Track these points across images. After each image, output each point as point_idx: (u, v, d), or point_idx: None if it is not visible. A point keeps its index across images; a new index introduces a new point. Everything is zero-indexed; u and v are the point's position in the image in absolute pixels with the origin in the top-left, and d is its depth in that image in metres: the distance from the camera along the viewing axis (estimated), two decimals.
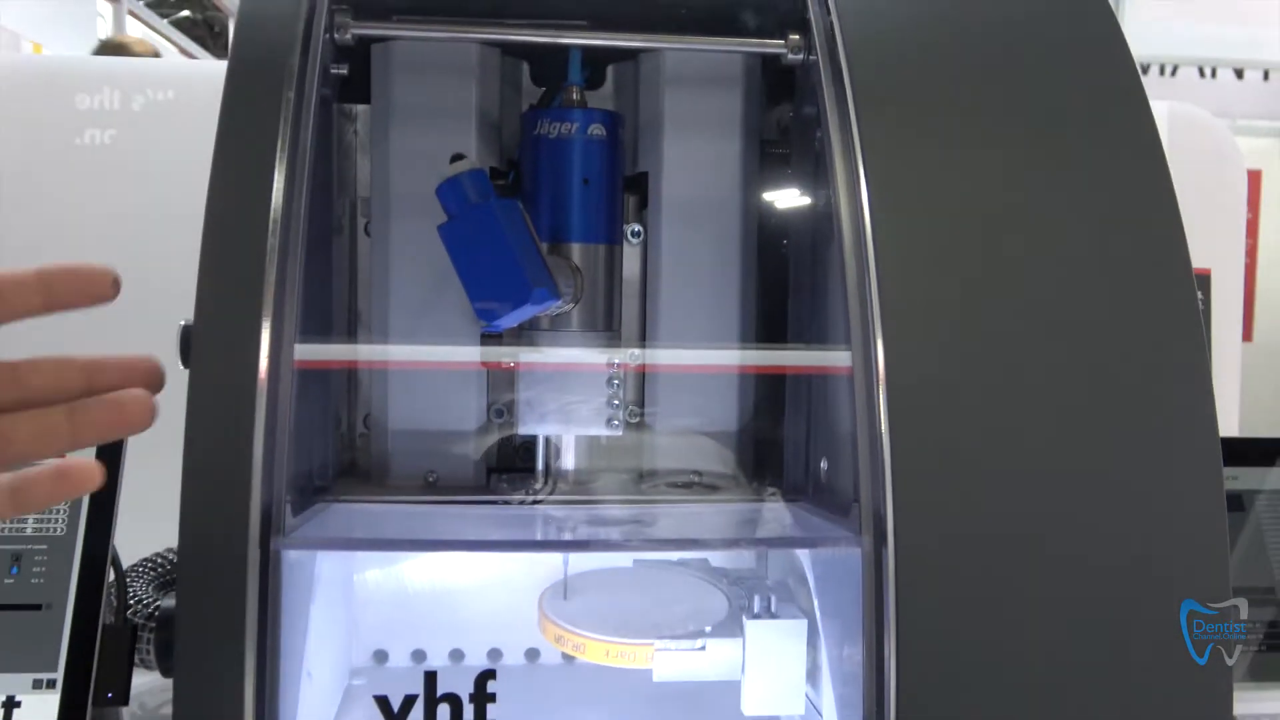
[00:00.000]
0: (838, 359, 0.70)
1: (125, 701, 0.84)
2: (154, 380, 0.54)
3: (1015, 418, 0.67)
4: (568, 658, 0.96)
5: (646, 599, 0.84)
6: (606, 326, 0.81)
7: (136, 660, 0.91)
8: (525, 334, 0.81)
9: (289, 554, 0.62)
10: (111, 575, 0.86)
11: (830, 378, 0.76)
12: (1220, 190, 1.23)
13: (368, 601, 0.93)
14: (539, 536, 0.78)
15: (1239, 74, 2.60)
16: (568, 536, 0.80)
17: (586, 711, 0.88)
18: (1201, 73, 2.47)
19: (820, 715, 0.76)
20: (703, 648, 0.76)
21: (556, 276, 0.73)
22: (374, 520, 0.77)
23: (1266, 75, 2.65)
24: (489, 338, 0.81)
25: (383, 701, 0.61)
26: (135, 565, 1.00)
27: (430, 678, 0.60)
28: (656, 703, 0.87)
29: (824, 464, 0.76)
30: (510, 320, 0.71)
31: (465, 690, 0.62)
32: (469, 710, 0.61)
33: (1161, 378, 0.69)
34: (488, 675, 0.61)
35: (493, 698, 0.62)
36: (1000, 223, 0.70)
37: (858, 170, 0.69)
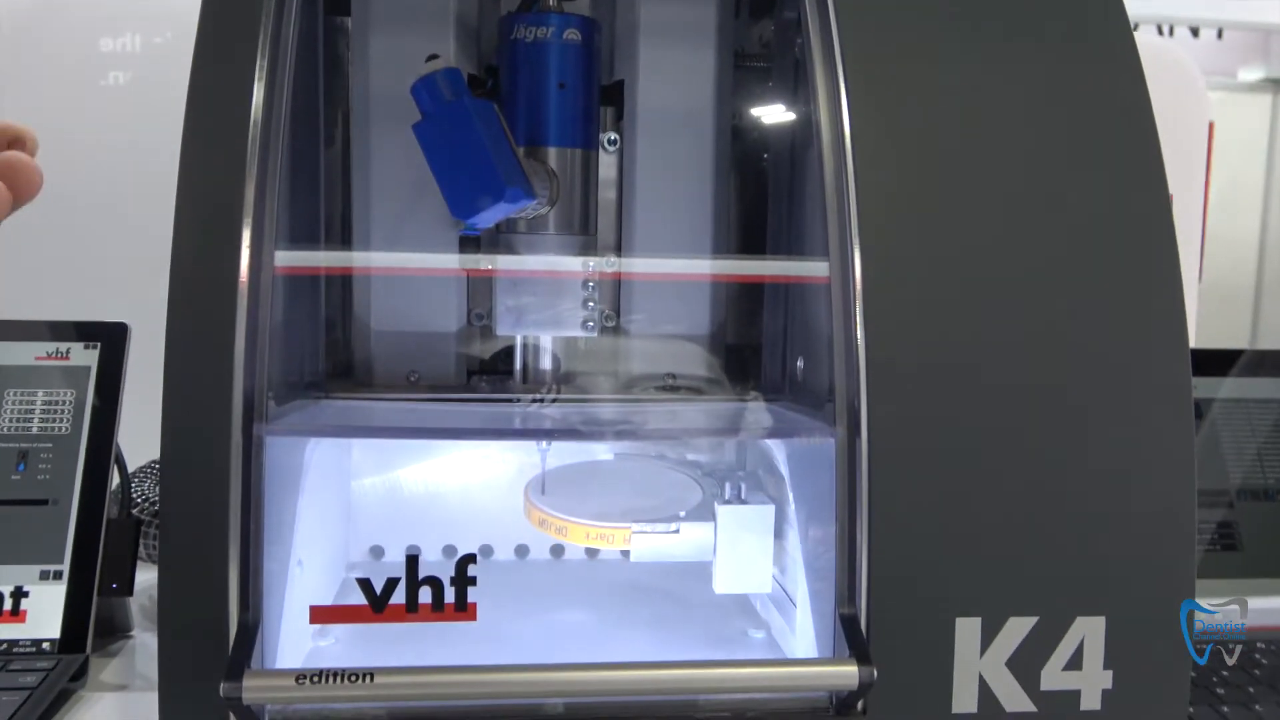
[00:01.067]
0: (815, 269, 0.64)
1: (129, 592, 0.80)
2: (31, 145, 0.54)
3: (988, 322, 0.62)
4: (555, 554, 0.92)
5: (625, 489, 0.80)
6: (583, 230, 0.75)
7: (144, 555, 0.87)
8: (502, 236, 0.75)
9: (272, 440, 0.57)
10: (115, 472, 0.81)
11: (808, 285, 0.71)
12: (1184, 122, 1.18)
13: (364, 500, 0.88)
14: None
15: (1194, 32, 2.54)
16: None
17: (570, 601, 0.84)
18: (1160, 30, 2.41)
19: (790, 599, 0.72)
20: (677, 530, 0.72)
21: (532, 178, 0.67)
22: (361, 414, 0.72)
23: (1220, 33, 2.59)
24: (468, 242, 0.75)
25: (365, 584, 0.56)
26: (143, 467, 0.95)
27: (412, 561, 0.55)
28: (634, 593, 0.84)
29: (800, 363, 0.71)
30: (486, 219, 0.65)
31: (448, 576, 0.57)
32: (450, 593, 0.56)
33: (1135, 286, 0.63)
34: (468, 559, 0.56)
35: (473, 581, 0.57)
36: (980, 133, 0.64)
37: (838, 78, 0.63)
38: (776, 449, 0.72)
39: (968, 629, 0.60)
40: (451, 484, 0.89)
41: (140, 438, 0.85)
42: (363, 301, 0.78)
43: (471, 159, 0.64)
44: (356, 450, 0.86)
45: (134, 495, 0.91)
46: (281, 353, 0.64)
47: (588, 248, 0.75)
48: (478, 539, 0.91)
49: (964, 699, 0.60)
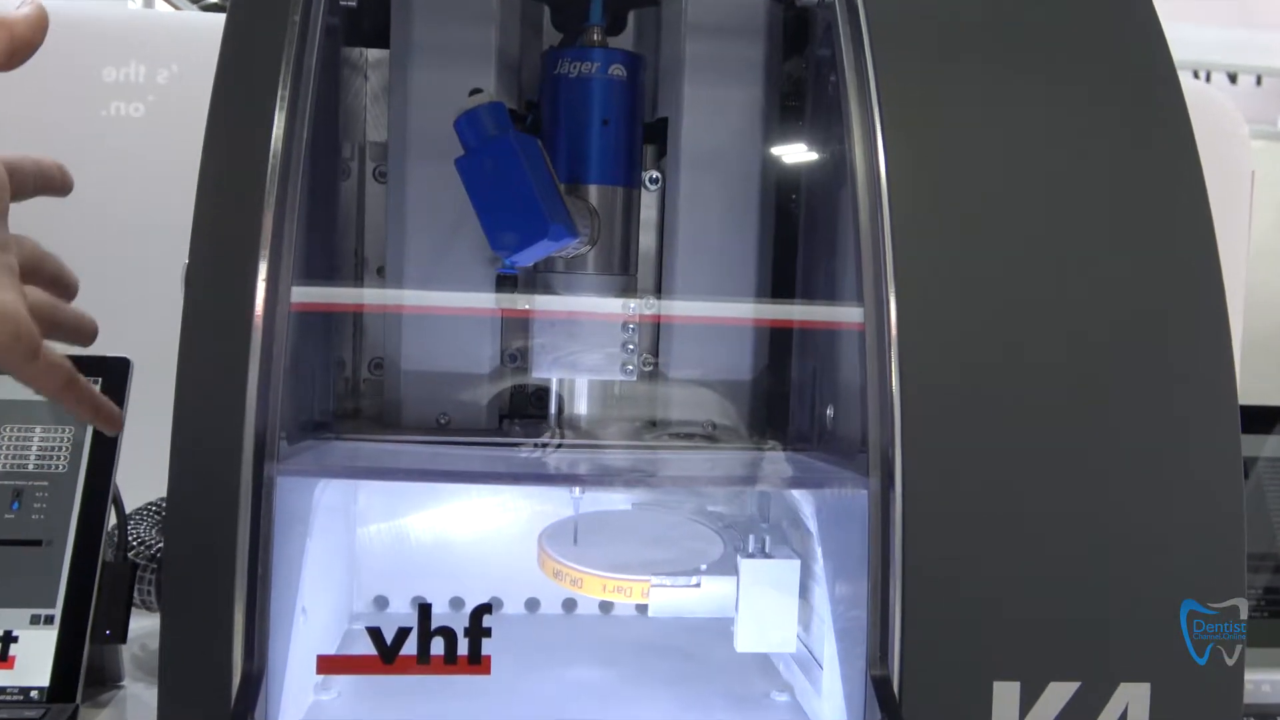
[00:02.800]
0: (849, 315, 0.65)
1: (123, 639, 0.79)
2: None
3: (1028, 373, 0.62)
4: (567, 608, 0.92)
5: (644, 540, 0.80)
6: (623, 270, 0.76)
7: (137, 600, 0.87)
8: (540, 275, 0.76)
9: (284, 480, 0.57)
10: (112, 514, 0.82)
11: (838, 329, 0.72)
12: (1226, 170, 1.18)
13: (370, 548, 0.88)
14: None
15: (1232, 78, 2.55)
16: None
17: (584, 657, 0.83)
18: (1196, 75, 2.42)
19: (817, 660, 0.71)
20: (697, 584, 0.72)
21: (574, 216, 0.68)
22: (374, 457, 0.72)
23: (1259, 80, 2.61)
24: (504, 281, 0.76)
25: (375, 634, 0.56)
26: (140, 509, 0.96)
27: (424, 611, 0.55)
28: (650, 651, 0.84)
29: (830, 411, 0.72)
30: (526, 257, 0.66)
31: (460, 627, 0.57)
32: (464, 644, 0.56)
33: (1182, 338, 0.64)
34: (483, 610, 0.56)
35: (488, 632, 0.57)
36: (1020, 175, 0.64)
37: (873, 117, 0.64)
38: (804, 500, 0.72)
39: (1006, 694, 0.59)
40: (460, 532, 0.89)
41: (138, 478, 0.85)
42: (392, 339, 0.78)
43: (515, 195, 0.65)
44: (363, 494, 0.86)
45: (131, 538, 0.91)
46: (293, 393, 0.64)
47: (627, 288, 0.76)
48: (487, 590, 0.90)
49: None
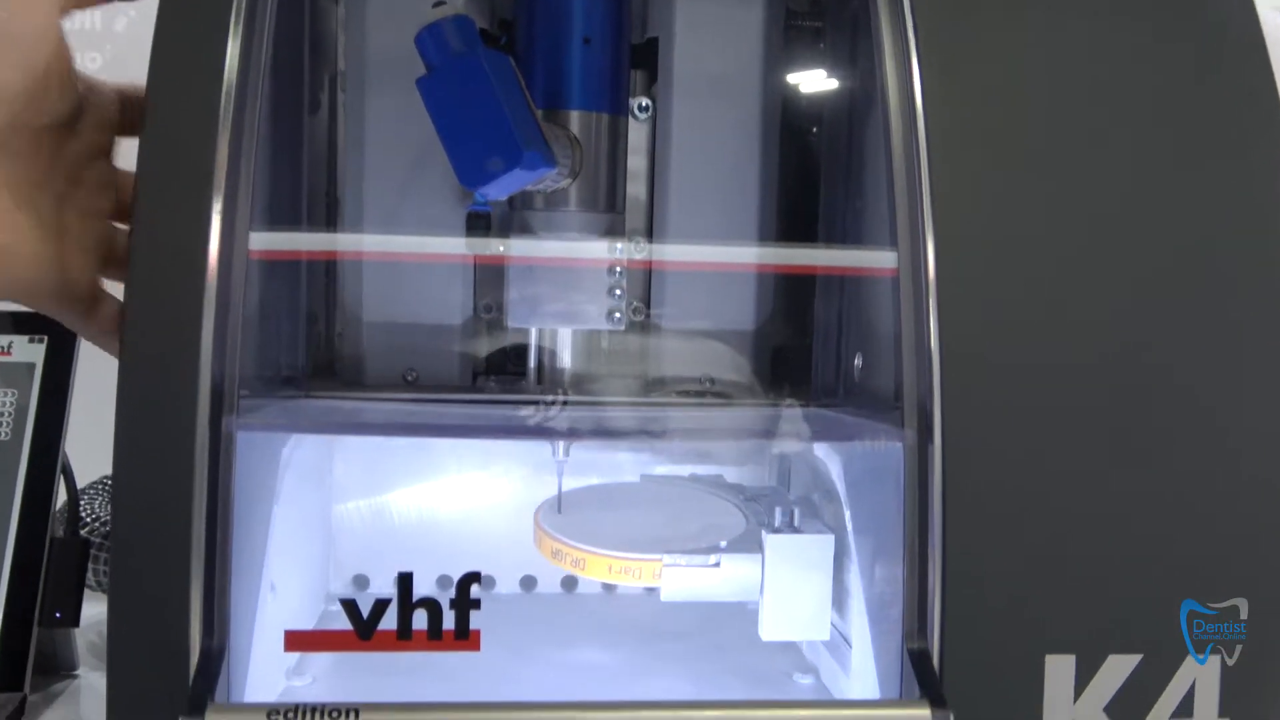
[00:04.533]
0: (880, 260, 0.62)
1: (75, 622, 0.78)
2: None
3: (1083, 317, 0.60)
4: (567, 586, 0.89)
5: (654, 515, 0.78)
6: (609, 207, 0.73)
7: (92, 582, 0.85)
8: (517, 214, 0.73)
9: (244, 436, 0.55)
10: (62, 486, 0.80)
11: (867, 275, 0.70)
12: None
13: (348, 523, 0.86)
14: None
15: None
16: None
17: (585, 639, 0.82)
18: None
19: (845, 639, 0.69)
20: (717, 564, 0.69)
21: (553, 144, 0.65)
22: (347, 414, 0.70)
23: None
24: (476, 220, 0.74)
25: (350, 606, 0.53)
26: (95, 483, 0.94)
27: (405, 581, 0.53)
28: (659, 632, 0.82)
29: (858, 361, 0.69)
30: (498, 189, 0.63)
31: (446, 599, 0.55)
32: (449, 618, 0.53)
33: (1249, 283, 0.62)
34: (471, 578, 0.54)
35: (476, 604, 0.54)
36: (1073, 102, 0.61)
37: (907, 36, 0.61)
38: (831, 462, 0.69)
39: (1060, 668, 0.57)
40: (447, 506, 0.87)
41: (91, 450, 0.83)
42: (353, 290, 0.76)
43: (484, 119, 0.62)
44: (339, 463, 0.84)
45: (84, 514, 0.89)
46: (256, 346, 0.62)
47: (614, 228, 0.74)
48: (478, 568, 0.87)
49: None
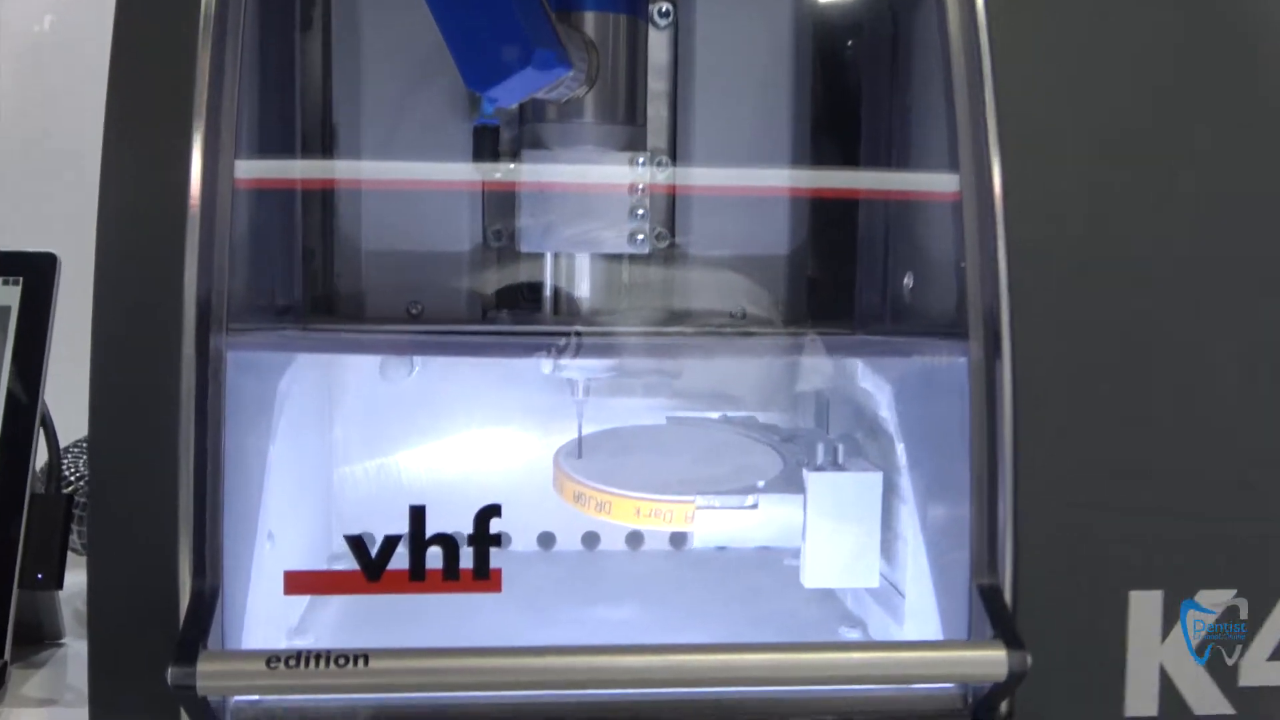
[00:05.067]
0: (940, 184, 0.58)
1: (58, 584, 0.73)
2: None
3: (1155, 243, 0.56)
4: (588, 543, 0.85)
5: (682, 457, 0.74)
6: (629, 119, 0.68)
7: (76, 545, 0.81)
8: (529, 127, 0.68)
9: (236, 357, 0.51)
10: (42, 439, 0.75)
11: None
12: None
13: (349, 483, 0.82)
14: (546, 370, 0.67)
15: None
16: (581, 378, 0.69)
17: (609, 597, 0.78)
18: None
19: (897, 588, 0.65)
20: (754, 505, 0.65)
21: (566, 45, 0.61)
22: (345, 344, 0.65)
23: None
24: (484, 134, 0.69)
25: (357, 544, 0.49)
26: (79, 441, 0.89)
27: (417, 515, 0.49)
28: (688, 589, 0.78)
29: (908, 281, 0.65)
30: (508, 94, 0.59)
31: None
32: (467, 556, 0.49)
33: None
34: (490, 512, 0.50)
35: (497, 540, 0.50)
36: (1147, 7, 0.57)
37: None
38: (880, 393, 0.65)
39: (1145, 607, 0.54)
40: (456, 461, 0.82)
41: (78, 405, 0.79)
42: (351, 218, 0.72)
43: (492, 15, 0.57)
44: (341, 410, 0.81)
45: (68, 471, 0.85)
46: (248, 280, 0.58)
47: (635, 141, 0.69)
48: (491, 525, 0.84)
49: (1140, 697, 0.54)
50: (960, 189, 0.55)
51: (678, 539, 0.84)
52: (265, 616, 0.57)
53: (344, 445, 0.81)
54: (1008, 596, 0.52)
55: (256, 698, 0.52)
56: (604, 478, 0.68)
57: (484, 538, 0.50)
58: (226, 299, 0.52)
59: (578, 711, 0.52)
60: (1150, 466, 0.54)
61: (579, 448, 0.71)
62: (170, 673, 0.47)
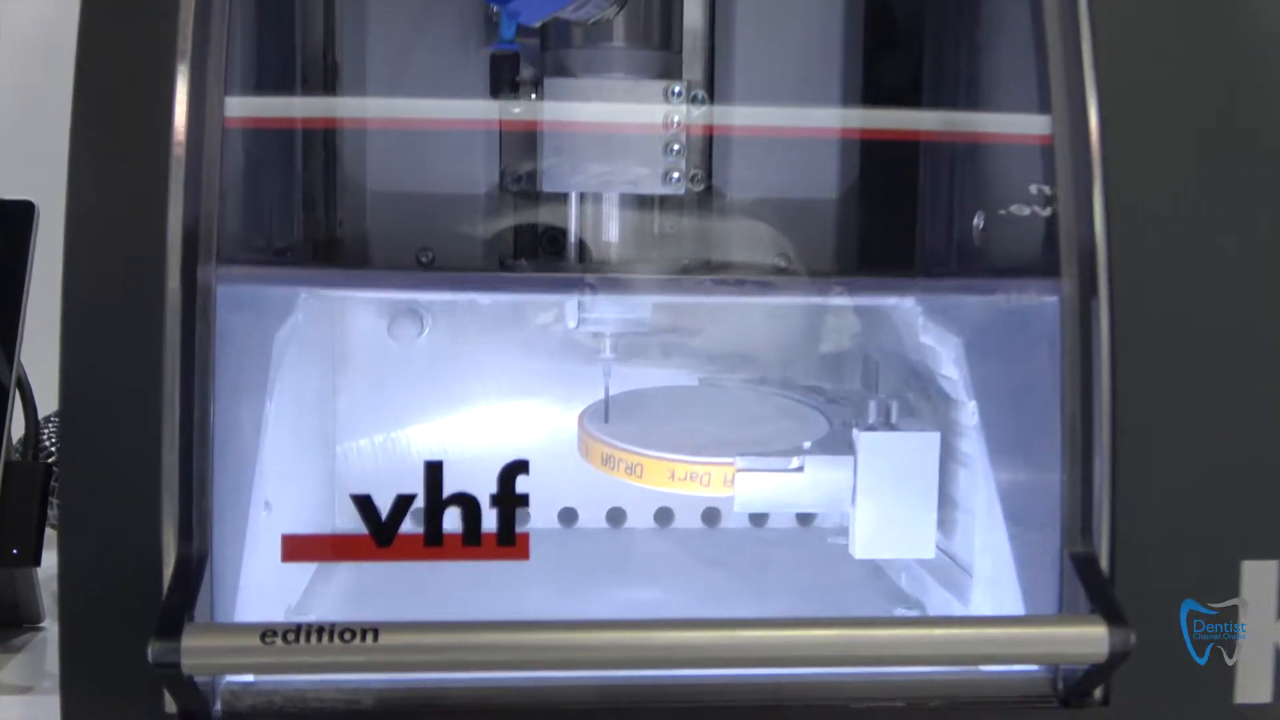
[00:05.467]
0: (1026, 125, 0.53)
1: (35, 561, 0.69)
2: None
3: (1252, 183, 0.52)
4: (613, 521, 0.80)
5: (719, 419, 0.70)
6: (663, 43, 0.63)
7: (55, 521, 0.76)
8: (552, 54, 0.63)
9: (228, 294, 0.45)
10: (18, 403, 0.70)
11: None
12: None
13: (356, 449, 0.77)
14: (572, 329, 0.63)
15: None
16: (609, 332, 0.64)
17: (638, 578, 0.73)
18: None
19: (962, 567, 0.60)
20: (799, 468, 0.61)
21: None
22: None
23: None
24: (502, 63, 0.63)
25: (364, 503, 0.44)
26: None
27: (433, 471, 0.43)
28: (724, 569, 0.74)
29: (979, 222, 0.60)
30: (530, 11, 0.54)
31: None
32: (490, 518, 0.44)
33: None
34: (517, 469, 0.45)
35: (524, 501, 0.45)
36: None
37: None
38: (943, 345, 0.60)
39: (1259, 579, 0.49)
40: (472, 428, 0.77)
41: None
42: (355, 157, 0.67)
43: None
44: (346, 374, 0.76)
45: (45, 440, 0.80)
46: (241, 225, 0.53)
47: (669, 69, 0.63)
48: (518, 484, 0.79)
49: (1252, 682, 0.49)
50: (1052, 132, 0.51)
51: (710, 516, 0.79)
52: (262, 593, 0.52)
53: (349, 411, 0.76)
54: (1104, 567, 0.47)
55: (251, 679, 0.47)
56: (634, 440, 0.64)
57: (509, 497, 0.45)
58: (216, 236, 0.46)
59: (614, 696, 0.48)
60: (1264, 422, 0.49)
61: (605, 410, 0.67)
62: (152, 648, 0.42)
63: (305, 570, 0.69)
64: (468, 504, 0.45)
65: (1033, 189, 0.53)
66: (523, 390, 0.77)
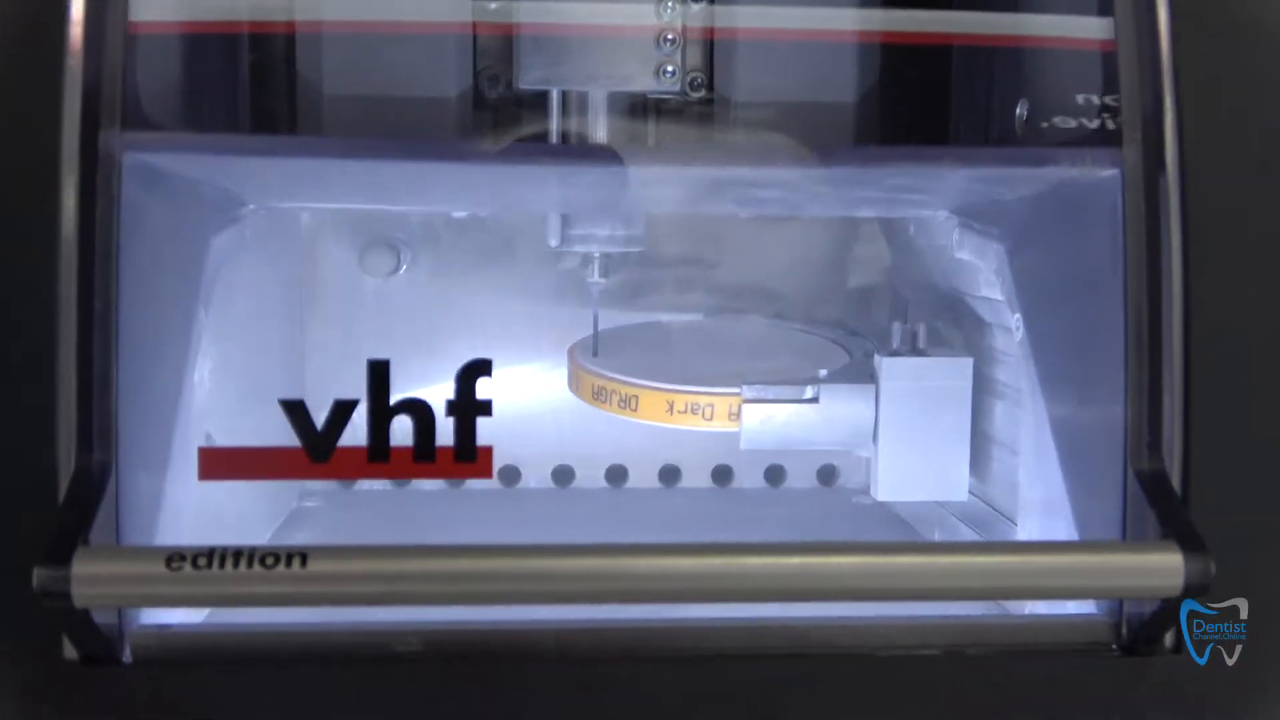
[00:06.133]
0: (1082, 29, 0.48)
1: None
2: None
3: None
4: (613, 480, 0.74)
5: (725, 352, 0.64)
6: None
7: None
8: None
9: (136, 164, 0.40)
10: None
11: None
12: None
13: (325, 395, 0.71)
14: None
15: None
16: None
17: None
18: None
19: (1001, 513, 0.56)
20: (814, 398, 0.56)
21: None
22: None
23: None
24: None
25: (294, 408, 0.38)
26: None
27: (378, 369, 0.38)
28: (735, 534, 0.66)
29: (1022, 111, 0.53)
30: None
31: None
32: (445, 428, 0.38)
33: None
34: (478, 369, 0.39)
35: (486, 409, 0.39)
36: None
37: None
38: (982, 257, 0.54)
39: None
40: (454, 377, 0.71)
41: None
42: (309, 58, 0.60)
43: None
44: (315, 312, 0.71)
45: None
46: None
47: None
48: (498, 458, 0.72)
49: None
50: (1116, 37, 0.45)
51: (721, 474, 0.73)
52: (191, 529, 0.46)
53: (319, 353, 0.69)
54: (1176, 484, 0.40)
55: (164, 624, 0.41)
56: (629, 372, 0.58)
57: (468, 403, 0.39)
58: (123, 98, 0.40)
59: (585, 640, 0.41)
60: None
61: (594, 343, 0.61)
62: (37, 574, 0.36)
63: (270, 516, 0.64)
64: (419, 411, 0.39)
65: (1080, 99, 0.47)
66: (511, 336, 0.71)
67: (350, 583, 0.37)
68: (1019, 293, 0.51)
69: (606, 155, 0.50)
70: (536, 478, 0.74)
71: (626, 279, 0.69)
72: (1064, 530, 0.47)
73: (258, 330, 0.62)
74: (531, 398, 0.70)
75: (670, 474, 0.74)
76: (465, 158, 0.51)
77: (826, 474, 0.73)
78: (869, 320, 0.69)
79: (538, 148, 0.53)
